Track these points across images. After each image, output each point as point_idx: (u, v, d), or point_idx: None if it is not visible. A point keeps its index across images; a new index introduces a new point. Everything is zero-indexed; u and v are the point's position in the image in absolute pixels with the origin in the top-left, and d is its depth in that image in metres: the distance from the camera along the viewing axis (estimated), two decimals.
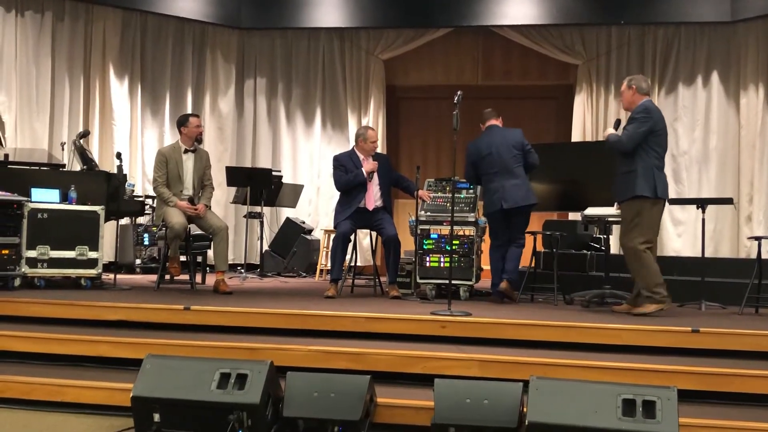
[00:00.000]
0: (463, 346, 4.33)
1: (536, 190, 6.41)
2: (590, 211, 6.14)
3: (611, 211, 5.99)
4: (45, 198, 6.16)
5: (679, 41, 8.93)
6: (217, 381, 3.52)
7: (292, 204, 9.08)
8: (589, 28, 9.14)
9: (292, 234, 8.94)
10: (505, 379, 3.67)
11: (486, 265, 6.34)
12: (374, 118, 9.50)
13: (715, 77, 8.81)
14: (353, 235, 6.45)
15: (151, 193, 7.52)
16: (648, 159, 5.19)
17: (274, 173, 8.38)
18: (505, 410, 3.39)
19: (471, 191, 6.47)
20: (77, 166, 6.85)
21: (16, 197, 5.90)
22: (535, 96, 9.75)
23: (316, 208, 9.71)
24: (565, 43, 9.21)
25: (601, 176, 6.61)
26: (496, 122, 6.22)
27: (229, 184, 8.36)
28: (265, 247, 8.82)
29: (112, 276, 6.55)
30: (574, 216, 8.20)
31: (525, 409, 3.35)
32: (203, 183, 6.49)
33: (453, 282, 5.84)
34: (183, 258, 6.79)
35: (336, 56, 9.72)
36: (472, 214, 6.31)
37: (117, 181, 6.54)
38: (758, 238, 5.80)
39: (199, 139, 6.52)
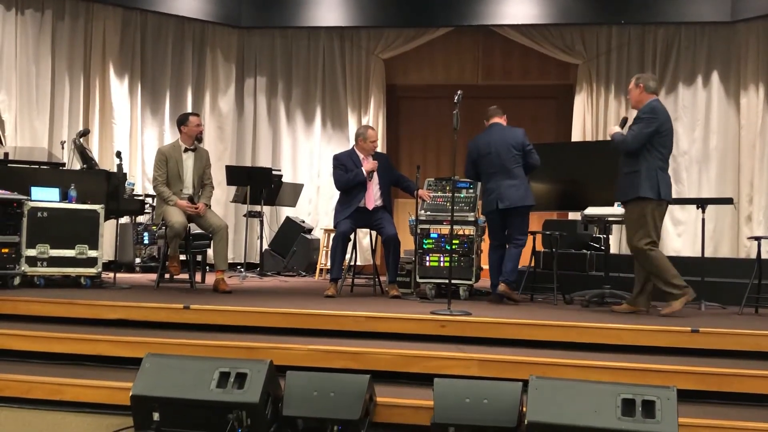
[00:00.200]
0: (463, 346, 4.33)
1: (536, 189, 6.41)
2: (590, 210, 6.13)
3: (611, 210, 5.99)
4: (45, 197, 6.16)
5: (679, 41, 8.93)
6: (216, 380, 3.52)
7: (292, 203, 9.08)
8: (589, 27, 9.14)
9: (292, 233, 8.94)
10: (505, 379, 3.68)
11: (486, 265, 6.33)
12: (374, 118, 9.50)
13: (715, 77, 8.81)
14: (353, 234, 6.45)
15: (151, 192, 7.52)
16: (652, 160, 5.18)
17: (274, 172, 8.39)
18: (504, 410, 3.39)
19: (471, 191, 6.46)
20: (77, 165, 6.84)
21: (15, 196, 5.89)
22: (535, 96, 9.74)
23: (316, 207, 9.71)
24: (566, 42, 9.20)
25: (601, 176, 6.62)
26: (499, 120, 6.15)
27: (229, 183, 8.36)
28: (265, 247, 8.82)
29: (111, 275, 6.55)
30: (573, 216, 8.19)
31: (524, 409, 3.35)
32: (203, 182, 6.48)
33: (453, 281, 5.83)
34: (183, 257, 6.78)
35: (336, 55, 9.72)
36: (472, 214, 6.30)
37: (117, 180, 6.54)
38: (758, 238, 5.81)
39: (199, 138, 6.52)
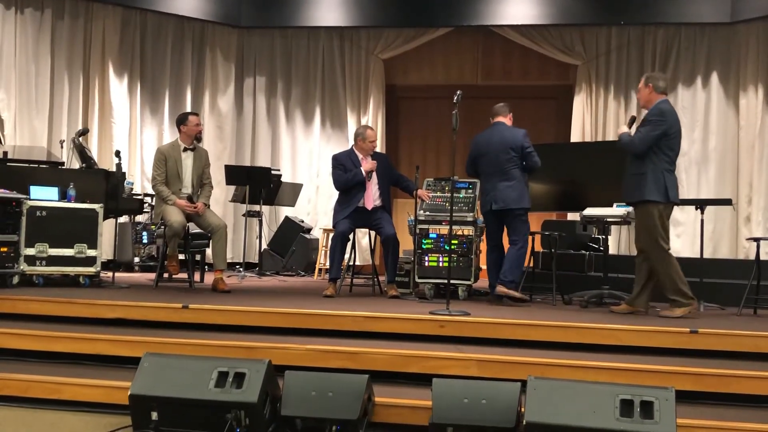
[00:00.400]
0: (462, 346, 4.33)
1: (535, 190, 6.40)
2: (589, 211, 6.12)
3: (610, 211, 5.99)
4: (44, 196, 6.16)
5: (679, 42, 8.92)
6: (215, 380, 3.52)
7: (291, 203, 9.08)
8: (589, 28, 9.14)
9: (291, 233, 8.94)
10: (503, 379, 3.68)
11: (485, 265, 6.33)
12: (374, 118, 9.49)
13: (714, 78, 8.80)
14: (352, 234, 6.45)
15: (150, 191, 7.51)
16: (658, 162, 5.16)
17: (273, 172, 8.39)
18: (502, 410, 3.39)
19: (470, 191, 6.45)
20: (76, 164, 6.84)
21: (14, 195, 5.89)
22: (534, 96, 9.74)
23: (315, 207, 9.70)
24: (565, 43, 9.20)
25: (600, 177, 6.62)
26: (503, 119, 6.07)
27: (228, 182, 8.36)
28: (264, 246, 8.82)
29: (110, 274, 6.55)
30: (572, 216, 8.19)
31: (523, 409, 3.35)
32: (202, 181, 6.48)
33: (452, 281, 5.82)
34: (182, 256, 6.78)
35: (336, 55, 9.72)
36: (471, 214, 6.29)
37: (116, 179, 6.54)
38: (757, 239, 5.81)
39: (198, 138, 6.52)
